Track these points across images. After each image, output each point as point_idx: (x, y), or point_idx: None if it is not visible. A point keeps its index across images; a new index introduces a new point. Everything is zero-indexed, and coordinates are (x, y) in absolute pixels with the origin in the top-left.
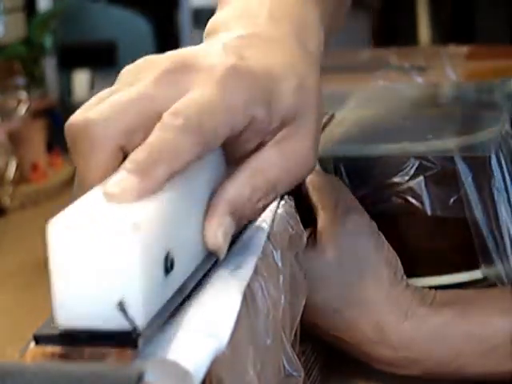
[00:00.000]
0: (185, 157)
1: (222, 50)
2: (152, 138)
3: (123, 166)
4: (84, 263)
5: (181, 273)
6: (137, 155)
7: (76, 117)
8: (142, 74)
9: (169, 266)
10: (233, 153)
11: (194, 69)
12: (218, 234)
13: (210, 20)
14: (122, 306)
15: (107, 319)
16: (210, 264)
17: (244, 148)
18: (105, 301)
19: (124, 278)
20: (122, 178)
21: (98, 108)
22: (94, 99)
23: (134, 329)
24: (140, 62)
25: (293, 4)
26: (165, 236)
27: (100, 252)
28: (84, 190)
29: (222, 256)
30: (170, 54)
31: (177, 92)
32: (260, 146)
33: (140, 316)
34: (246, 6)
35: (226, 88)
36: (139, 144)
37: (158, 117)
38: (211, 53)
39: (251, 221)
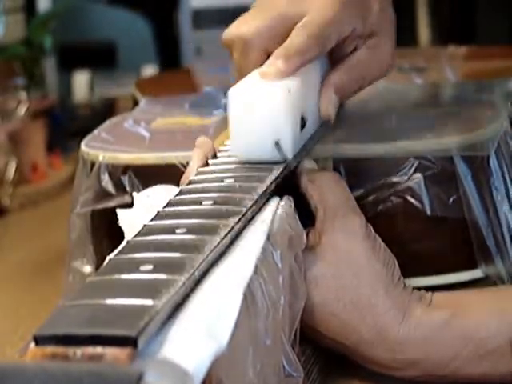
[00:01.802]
0: (310, 53)
1: None
2: (289, 41)
3: (272, 57)
4: (254, 115)
5: (308, 130)
6: (280, 50)
7: (231, 29)
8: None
9: (303, 124)
10: (336, 55)
11: None
12: (328, 106)
13: None
14: (278, 144)
15: (268, 153)
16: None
17: (344, 51)
18: (267, 141)
19: (280, 125)
20: (272, 63)
21: (251, 23)
22: (242, 18)
23: (286, 160)
24: None
25: None
26: (302, 102)
27: (265, 107)
28: (241, 77)
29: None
30: None
31: (304, 10)
32: (354, 50)
33: (289, 152)
34: None
35: (337, 7)
36: (279, 46)
37: (292, 27)
38: None
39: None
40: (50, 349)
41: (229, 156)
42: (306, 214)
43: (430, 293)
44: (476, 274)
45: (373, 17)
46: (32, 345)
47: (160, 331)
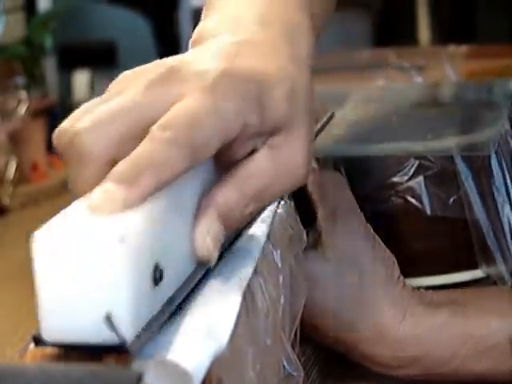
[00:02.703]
0: (173, 169)
1: (212, 56)
2: (139, 150)
3: (108, 176)
4: (69, 276)
5: (171, 283)
6: (123, 166)
7: (64, 127)
8: (130, 84)
9: (158, 277)
10: (223, 159)
11: (183, 76)
12: (207, 239)
13: (196, 29)
14: (109, 320)
15: (95, 333)
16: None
17: (235, 154)
18: (92, 314)
19: (111, 290)
20: (107, 189)
21: (86, 119)
22: (81, 109)
23: (123, 342)
24: (128, 73)
25: (281, 9)
26: (152, 247)
27: (86, 264)
28: (74, 200)
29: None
30: (157, 62)
31: (166, 101)
32: (251, 152)
33: (128, 329)
34: (233, 12)
35: (217, 94)
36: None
37: (148, 128)
38: (201, 59)
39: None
40: (49, 349)
41: None
42: (306, 214)
43: (430, 292)
44: (477, 274)
45: (276, 104)
46: (32, 345)
47: (160, 332)
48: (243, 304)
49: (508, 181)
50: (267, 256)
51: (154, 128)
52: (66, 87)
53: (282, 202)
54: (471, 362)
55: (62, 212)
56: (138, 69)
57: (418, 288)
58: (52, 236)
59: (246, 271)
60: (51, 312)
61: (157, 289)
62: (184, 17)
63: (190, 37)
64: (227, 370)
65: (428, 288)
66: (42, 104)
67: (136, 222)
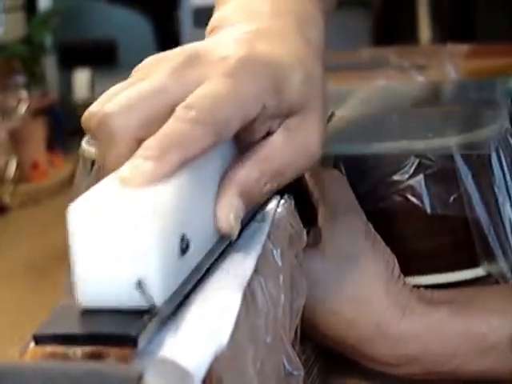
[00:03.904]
0: (197, 147)
1: (232, 42)
2: (166, 128)
3: (137, 152)
4: (103, 246)
5: (196, 254)
6: (151, 143)
7: (93, 110)
8: (154, 69)
9: (184, 247)
10: (243, 139)
11: (206, 61)
12: (229, 215)
13: (212, 18)
14: (140, 285)
15: (127, 298)
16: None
17: (253, 135)
18: (124, 281)
19: (142, 258)
20: (137, 164)
21: (115, 101)
22: (108, 93)
23: (153, 306)
24: (150, 59)
25: (294, 0)
26: (180, 219)
27: (119, 234)
28: (103, 177)
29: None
30: (181, 48)
31: (190, 84)
32: (268, 133)
33: (158, 294)
34: (247, 3)
35: (238, 79)
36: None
37: (173, 109)
38: (222, 45)
39: (255, 212)
40: (49, 348)
41: None
42: (306, 213)
43: (429, 290)
44: (478, 272)
45: (292, 88)
46: (32, 344)
47: (160, 331)
48: (243, 303)
49: (508, 179)
50: (267, 255)
51: (180, 108)
52: (67, 86)
53: (282, 201)
54: (471, 361)
55: (95, 186)
56: (160, 55)
57: (419, 286)
58: (87, 207)
59: (246, 270)
60: (86, 279)
61: (183, 259)
62: (184, 16)
63: (190, 36)
64: (227, 369)
65: (429, 286)
66: (42, 103)
67: (165, 194)
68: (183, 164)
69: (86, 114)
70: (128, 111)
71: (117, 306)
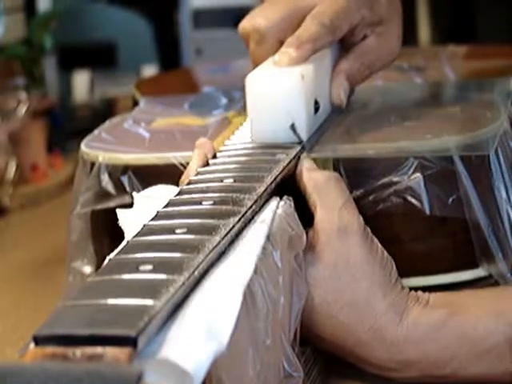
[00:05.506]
0: (322, 41)
1: None
2: (301, 30)
3: (284, 45)
4: (269, 100)
5: (320, 115)
6: (291, 39)
7: (244, 22)
8: None
9: (316, 108)
10: (346, 42)
11: None
12: (340, 92)
13: None
14: (293, 127)
15: (284, 136)
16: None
17: (354, 38)
18: (283, 124)
19: (295, 108)
20: (284, 51)
21: (261, 14)
22: (256, 10)
23: (301, 141)
24: None
25: None
26: (315, 86)
27: (280, 91)
28: (257, 66)
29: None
30: None
31: (315, 1)
32: (364, 37)
33: (303, 134)
34: None
35: None
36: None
37: (304, 17)
38: None
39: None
40: (49, 349)
41: (229, 156)
42: (305, 215)
43: (427, 293)
44: (477, 272)
45: (380, 6)
46: (32, 345)
47: (160, 331)
48: (243, 304)
49: (507, 180)
50: (267, 256)
51: (309, 17)
52: (66, 87)
53: (282, 203)
54: (469, 364)
55: (258, 67)
56: None
57: (418, 288)
58: (259, 76)
59: (247, 271)
60: (258, 124)
61: (315, 116)
62: (184, 17)
63: (189, 37)
64: (227, 369)
65: (428, 288)
66: (41, 104)
67: (307, 69)
68: (313, 53)
69: (241, 24)
70: (273, 19)
71: (277, 142)
